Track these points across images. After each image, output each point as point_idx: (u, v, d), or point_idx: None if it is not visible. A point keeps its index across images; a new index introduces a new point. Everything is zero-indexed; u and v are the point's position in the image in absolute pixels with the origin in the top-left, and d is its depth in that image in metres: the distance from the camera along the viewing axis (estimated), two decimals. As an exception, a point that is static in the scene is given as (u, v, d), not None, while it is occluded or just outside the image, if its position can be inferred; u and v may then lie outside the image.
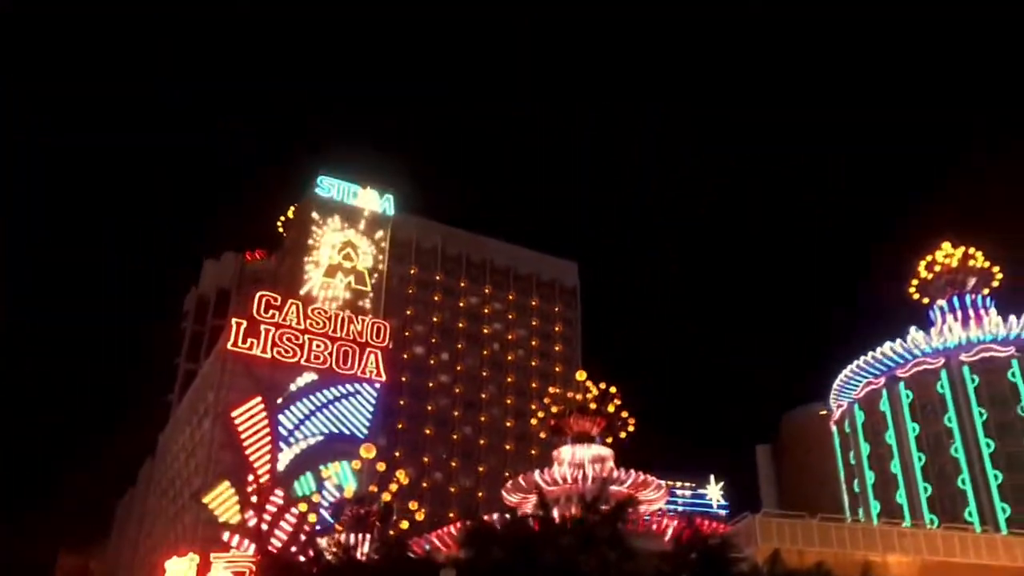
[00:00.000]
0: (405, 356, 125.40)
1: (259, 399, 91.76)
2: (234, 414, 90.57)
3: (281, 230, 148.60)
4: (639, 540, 43.57)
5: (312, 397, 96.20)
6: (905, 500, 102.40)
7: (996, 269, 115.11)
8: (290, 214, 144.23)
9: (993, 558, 71.22)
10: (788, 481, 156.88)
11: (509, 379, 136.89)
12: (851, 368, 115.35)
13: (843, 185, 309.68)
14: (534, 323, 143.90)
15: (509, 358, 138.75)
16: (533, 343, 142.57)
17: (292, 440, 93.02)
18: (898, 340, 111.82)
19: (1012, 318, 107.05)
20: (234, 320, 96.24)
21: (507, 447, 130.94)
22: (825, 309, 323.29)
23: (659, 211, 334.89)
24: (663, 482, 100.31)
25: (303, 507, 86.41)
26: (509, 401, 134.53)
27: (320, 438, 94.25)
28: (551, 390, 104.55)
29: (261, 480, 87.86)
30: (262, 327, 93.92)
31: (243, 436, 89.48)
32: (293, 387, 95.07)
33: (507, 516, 42.92)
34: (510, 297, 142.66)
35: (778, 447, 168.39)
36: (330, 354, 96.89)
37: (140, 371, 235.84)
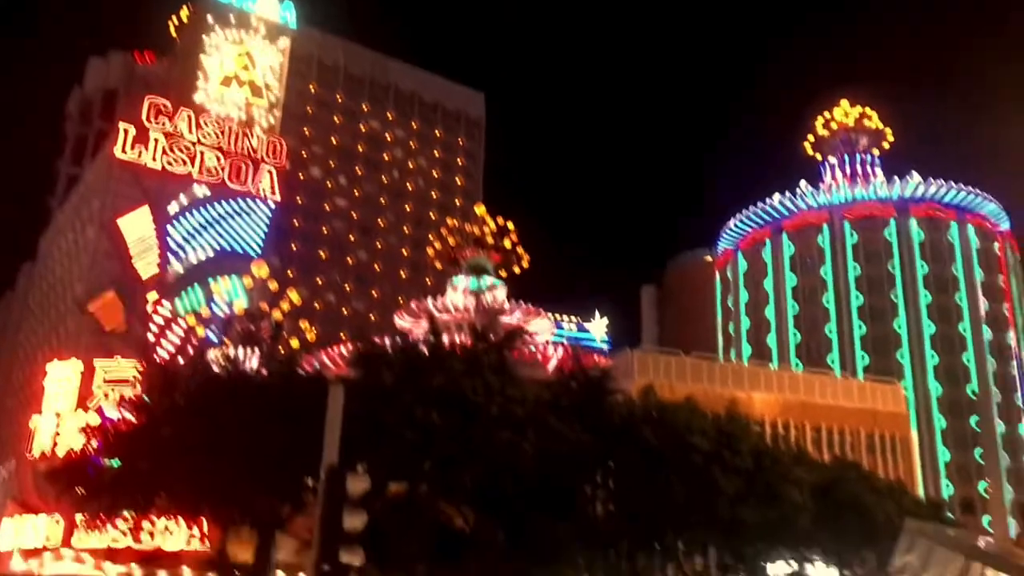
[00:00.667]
0: (301, 177, 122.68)
1: (147, 209, 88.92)
2: (120, 222, 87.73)
3: (173, 33, 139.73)
4: (525, 369, 45.22)
5: (203, 211, 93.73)
6: (775, 344, 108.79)
7: (888, 130, 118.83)
8: (183, 16, 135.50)
9: (848, 400, 77.20)
10: (670, 322, 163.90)
11: (408, 208, 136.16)
12: (739, 217, 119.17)
13: (746, 33, 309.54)
14: (436, 154, 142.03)
15: (409, 187, 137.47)
16: (434, 174, 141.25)
17: (181, 254, 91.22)
18: (787, 193, 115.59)
19: (896, 179, 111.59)
20: (122, 125, 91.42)
21: (402, 274, 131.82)
22: (719, 159, 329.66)
23: (567, 51, 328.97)
24: (551, 316, 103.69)
25: (191, 320, 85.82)
26: (406, 230, 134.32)
27: (211, 254, 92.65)
28: (449, 222, 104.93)
29: (148, 291, 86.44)
30: (151, 135, 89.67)
31: (130, 246, 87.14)
32: (184, 199, 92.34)
33: (398, 340, 43.64)
34: (413, 125, 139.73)
35: (663, 289, 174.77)
36: (223, 168, 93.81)
37: (18, 172, 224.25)
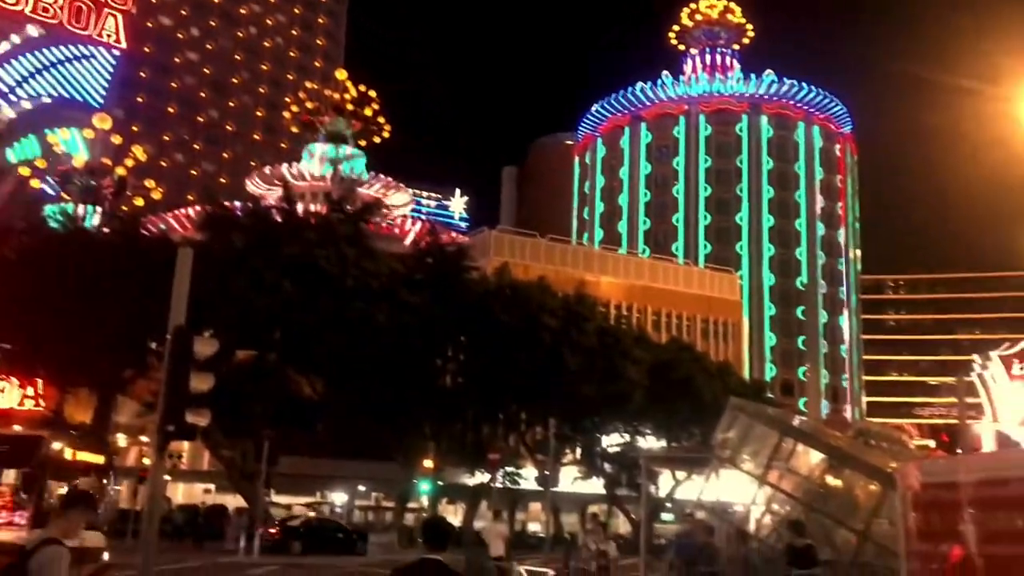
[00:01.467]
0: (150, 25, 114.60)
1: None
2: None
3: None
4: (381, 242, 45.15)
5: (38, 54, 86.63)
6: (626, 231, 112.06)
7: (749, 26, 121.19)
8: None
9: (688, 287, 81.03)
10: (530, 204, 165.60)
11: (264, 67, 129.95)
12: (601, 103, 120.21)
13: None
14: (296, 10, 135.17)
15: (266, 44, 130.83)
16: (294, 32, 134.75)
17: (12, 98, 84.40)
18: (649, 82, 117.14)
19: (753, 76, 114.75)
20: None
21: (256, 136, 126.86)
22: (589, 43, 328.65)
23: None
24: (410, 190, 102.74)
25: (25, 171, 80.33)
26: (262, 90, 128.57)
27: (47, 100, 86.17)
28: (308, 85, 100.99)
29: (-26, 138, 79.92)
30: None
31: (-48, 87, 79.95)
32: (16, 39, 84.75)
33: (250, 205, 42.44)
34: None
35: (524, 171, 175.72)
36: (61, 8, 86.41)
37: None
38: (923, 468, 4.67)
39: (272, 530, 35.73)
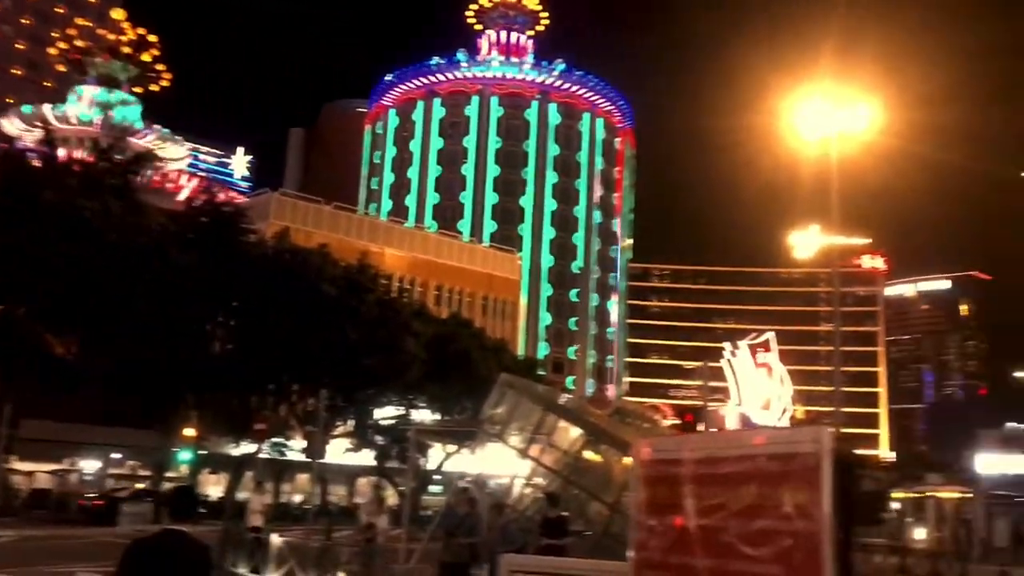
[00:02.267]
0: None
1: None
2: None
3: None
4: (151, 196, 42.57)
5: None
6: (414, 204, 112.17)
7: (544, 14, 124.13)
8: None
9: (471, 264, 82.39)
10: (317, 169, 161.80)
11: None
12: (396, 73, 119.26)
13: None
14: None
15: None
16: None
17: None
18: (445, 58, 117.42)
19: (545, 63, 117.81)
20: None
21: (15, 71, 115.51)
22: (386, 13, 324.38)
23: None
24: (187, 144, 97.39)
25: None
26: (26, 21, 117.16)
27: None
28: (80, 22, 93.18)
29: None
30: None
31: None
32: None
33: (5, 146, 38.73)
34: None
35: (313, 134, 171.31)
36: None
37: None
38: (653, 445, 5.06)
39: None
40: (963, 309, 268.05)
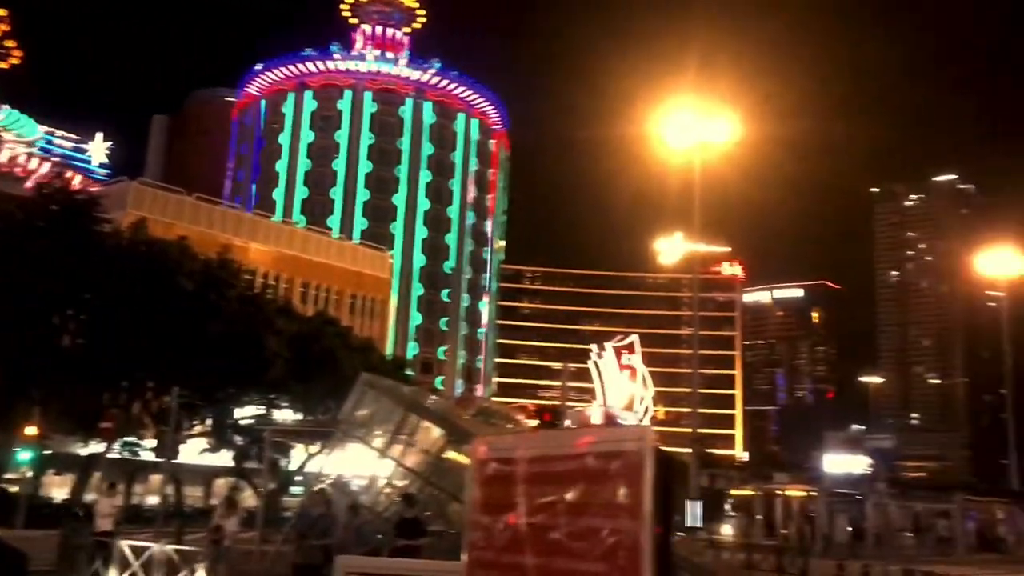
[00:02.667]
0: None
1: None
2: None
3: None
4: (-4, 180, 40.03)
5: None
6: (282, 198, 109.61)
7: (421, 12, 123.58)
8: None
9: (340, 261, 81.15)
10: (181, 158, 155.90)
11: None
12: (266, 64, 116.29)
13: None
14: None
15: None
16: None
17: None
18: (319, 51, 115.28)
19: (421, 61, 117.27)
20: None
21: None
22: (257, 2, 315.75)
23: None
24: (40, 127, 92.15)
25: None
26: None
27: None
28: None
29: None
30: None
31: None
32: None
33: None
34: None
35: (178, 122, 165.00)
36: None
37: None
38: (488, 444, 5.08)
39: None
40: (814, 316, 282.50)
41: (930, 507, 51.81)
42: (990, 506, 53.28)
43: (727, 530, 47.37)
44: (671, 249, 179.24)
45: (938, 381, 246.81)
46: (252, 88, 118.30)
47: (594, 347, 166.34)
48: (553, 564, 4.11)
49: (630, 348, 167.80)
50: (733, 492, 45.50)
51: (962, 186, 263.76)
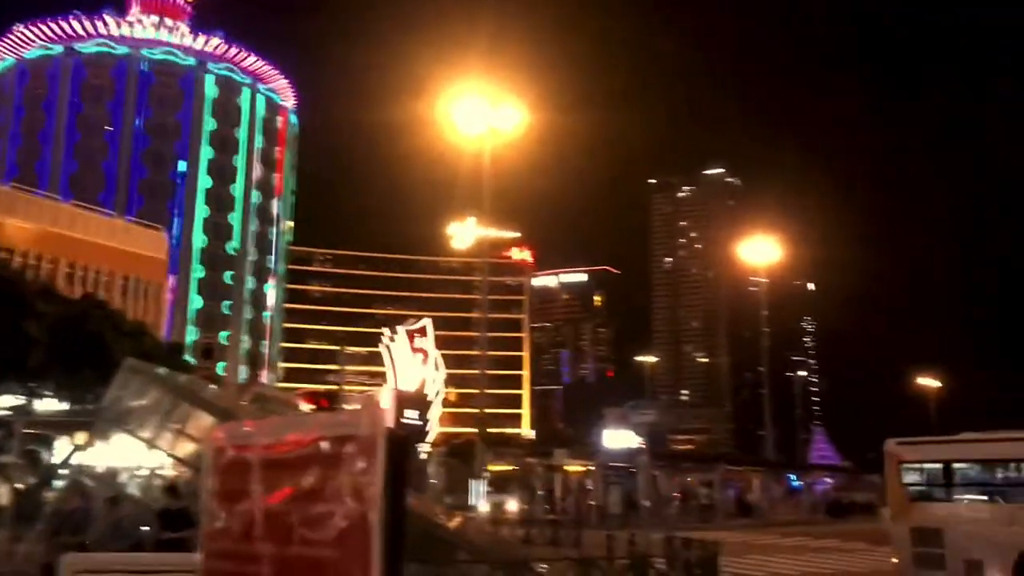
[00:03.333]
0: None
1: None
2: None
3: None
4: None
5: None
6: (47, 172, 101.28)
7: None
8: None
9: (110, 240, 76.09)
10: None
11: None
12: (27, 24, 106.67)
13: None
14: None
15: None
16: None
17: None
18: (91, 13, 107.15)
19: (202, 33, 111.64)
20: None
21: None
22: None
23: None
24: None
25: None
26: None
27: None
28: None
29: None
30: None
31: None
32: None
33: None
34: None
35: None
36: None
37: None
38: (226, 430, 4.98)
39: None
40: (596, 300, 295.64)
41: (695, 477, 55.82)
42: (747, 475, 58.08)
43: (512, 506, 48.82)
44: (463, 233, 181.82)
45: (705, 360, 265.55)
46: (9, 50, 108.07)
47: (386, 331, 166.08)
48: (288, 552, 4.09)
49: (422, 331, 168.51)
50: (491, 468, 46.84)
51: (729, 179, 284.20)
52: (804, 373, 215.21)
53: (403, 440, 3.84)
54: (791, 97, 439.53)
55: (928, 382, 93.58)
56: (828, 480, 74.98)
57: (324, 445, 3.97)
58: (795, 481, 71.07)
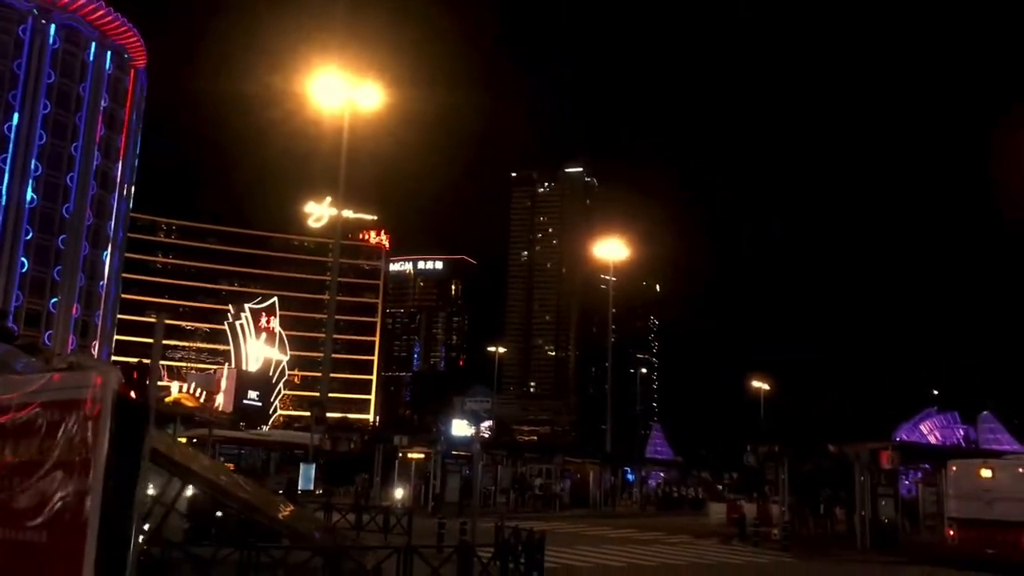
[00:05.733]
0: None
1: None
2: None
3: None
4: None
5: None
6: None
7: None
8: None
9: None
10: None
11: None
12: None
13: None
14: None
15: None
16: None
17: None
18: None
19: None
20: None
21: None
22: None
23: None
24: None
25: None
26: None
27: None
28: None
29: None
30: None
31: None
32: None
33: None
34: None
35: None
36: None
37: None
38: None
39: None
40: (452, 289, 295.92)
41: (533, 467, 56.41)
42: (584, 466, 59.19)
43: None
44: (320, 213, 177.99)
45: (554, 353, 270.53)
46: None
47: (231, 308, 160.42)
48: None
49: (270, 311, 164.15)
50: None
51: (588, 179, 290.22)
52: (646, 370, 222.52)
53: (138, 409, 3.33)
54: (651, 101, 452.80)
55: (761, 384, 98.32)
56: (661, 474, 77.59)
57: (44, 411, 3.42)
58: (630, 474, 73.24)
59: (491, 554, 18.00)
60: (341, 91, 48.01)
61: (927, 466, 38.36)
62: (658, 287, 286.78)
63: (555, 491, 53.18)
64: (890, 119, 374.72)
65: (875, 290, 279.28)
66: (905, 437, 70.29)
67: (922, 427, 78.35)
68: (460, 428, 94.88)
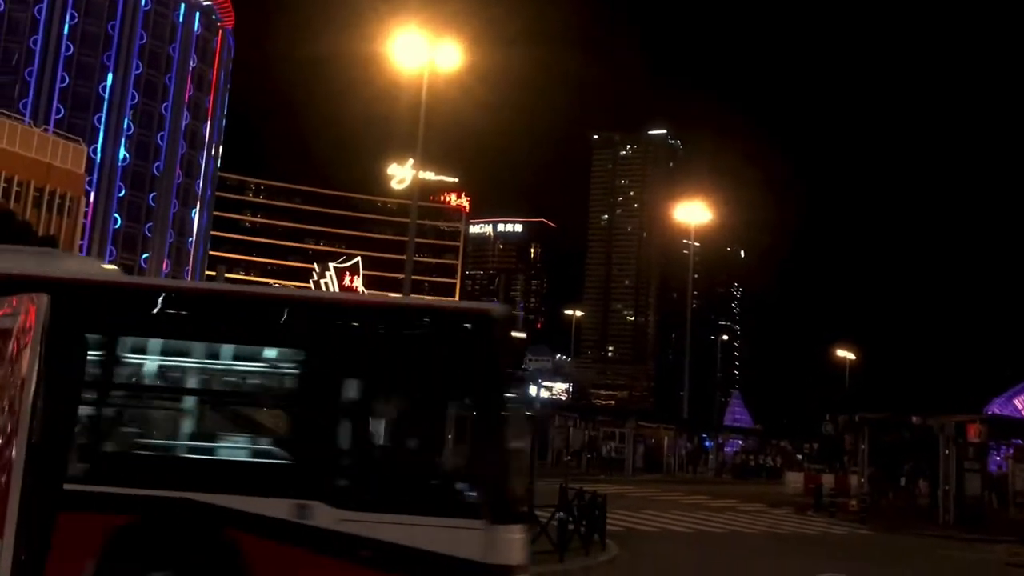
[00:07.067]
0: None
1: None
2: None
3: None
4: None
5: None
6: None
7: None
8: None
9: (25, 150, 72.56)
10: None
11: None
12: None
13: None
14: None
15: None
16: None
17: None
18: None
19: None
20: None
21: None
22: None
23: None
24: None
25: None
26: None
27: None
28: None
29: None
30: None
31: None
32: None
33: None
34: None
35: None
36: None
37: None
38: None
39: None
40: (532, 251, 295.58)
41: (607, 431, 56.03)
42: (658, 431, 58.55)
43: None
44: (402, 175, 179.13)
45: (633, 318, 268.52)
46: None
47: (316, 266, 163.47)
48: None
49: (353, 270, 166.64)
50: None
51: (671, 141, 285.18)
52: (727, 337, 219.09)
53: (78, 339, 2.98)
54: (740, 61, 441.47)
55: (845, 354, 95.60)
56: (739, 442, 76.35)
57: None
58: (708, 441, 72.24)
59: (554, 514, 17.71)
60: (420, 51, 47.57)
61: (1019, 442, 36.62)
62: (743, 253, 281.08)
63: (624, 455, 52.74)
64: (999, 80, 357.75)
65: (972, 259, 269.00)
66: (998, 411, 67.52)
67: (1016, 402, 75.08)
68: (534, 390, 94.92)
